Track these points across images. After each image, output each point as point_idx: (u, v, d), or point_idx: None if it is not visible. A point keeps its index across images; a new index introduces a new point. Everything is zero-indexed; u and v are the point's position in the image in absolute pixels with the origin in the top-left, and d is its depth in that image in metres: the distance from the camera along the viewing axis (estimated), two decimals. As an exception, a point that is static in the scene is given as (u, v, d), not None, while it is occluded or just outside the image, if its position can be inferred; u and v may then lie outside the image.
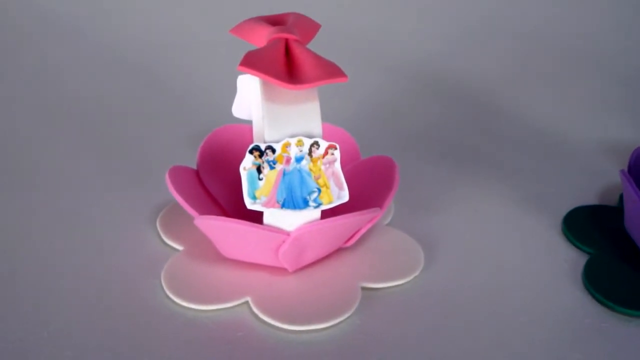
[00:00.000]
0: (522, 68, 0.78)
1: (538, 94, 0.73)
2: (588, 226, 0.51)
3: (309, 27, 0.46)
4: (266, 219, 0.43)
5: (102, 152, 0.59)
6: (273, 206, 0.42)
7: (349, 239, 0.47)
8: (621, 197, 0.54)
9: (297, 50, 0.43)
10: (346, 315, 0.43)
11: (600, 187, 0.57)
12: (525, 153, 0.61)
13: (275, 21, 0.46)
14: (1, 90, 0.69)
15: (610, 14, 0.89)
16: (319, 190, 0.43)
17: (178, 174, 0.47)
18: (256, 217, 0.43)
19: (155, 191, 0.52)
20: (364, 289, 0.45)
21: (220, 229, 0.44)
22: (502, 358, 0.42)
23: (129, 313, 0.43)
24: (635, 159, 0.51)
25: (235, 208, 0.47)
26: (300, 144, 0.42)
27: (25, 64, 0.73)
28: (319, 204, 0.43)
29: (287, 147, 0.42)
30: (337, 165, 0.43)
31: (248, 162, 0.42)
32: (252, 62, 0.41)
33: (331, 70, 0.42)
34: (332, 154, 0.43)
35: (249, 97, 0.48)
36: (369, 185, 0.48)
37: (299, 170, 0.43)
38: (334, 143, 0.43)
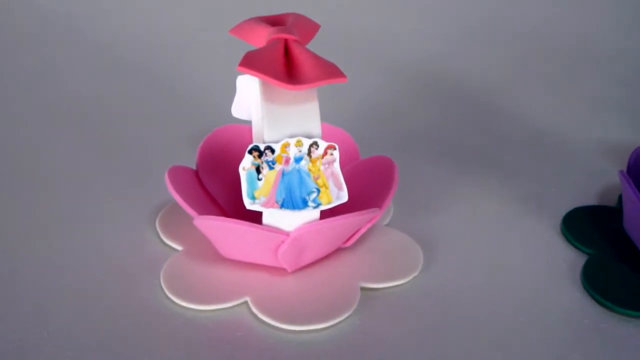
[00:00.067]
0: (522, 68, 0.78)
1: (538, 94, 0.73)
2: (587, 226, 0.51)
3: (308, 28, 0.46)
4: (265, 219, 0.43)
5: (102, 152, 0.59)
6: (272, 206, 0.42)
7: (348, 239, 0.47)
8: (620, 197, 0.54)
9: (296, 50, 0.43)
10: (345, 315, 0.43)
11: (599, 188, 0.57)
12: (524, 153, 0.61)
13: (274, 21, 0.46)
14: (1, 90, 0.69)
15: (610, 14, 0.89)
16: (318, 191, 0.43)
17: (177, 174, 0.47)
18: (255, 217, 0.43)
19: (154, 191, 0.52)
20: (363, 289, 0.46)
21: (219, 229, 0.44)
22: (501, 358, 0.42)
23: (129, 313, 0.43)
24: (634, 159, 0.51)
25: (235, 208, 0.47)
26: (299, 144, 0.43)
27: (25, 64, 0.73)
28: (318, 204, 0.43)
29: (286, 147, 0.42)
30: (336, 166, 0.43)
31: (247, 162, 0.42)
32: (252, 62, 0.41)
33: (330, 71, 0.42)
34: (331, 154, 0.43)
35: (249, 97, 0.48)
36: (368, 186, 0.48)
37: (298, 171, 0.43)
38: (333, 143, 0.43)
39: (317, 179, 0.43)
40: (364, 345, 0.42)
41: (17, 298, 0.44)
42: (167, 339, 0.42)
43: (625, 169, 0.50)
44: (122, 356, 0.41)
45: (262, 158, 0.42)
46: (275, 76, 0.41)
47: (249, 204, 0.42)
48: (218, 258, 0.46)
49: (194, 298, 0.44)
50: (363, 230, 0.47)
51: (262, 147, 0.42)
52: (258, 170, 0.42)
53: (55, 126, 0.63)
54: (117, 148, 0.60)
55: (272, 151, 0.42)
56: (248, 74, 0.41)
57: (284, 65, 0.42)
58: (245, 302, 0.44)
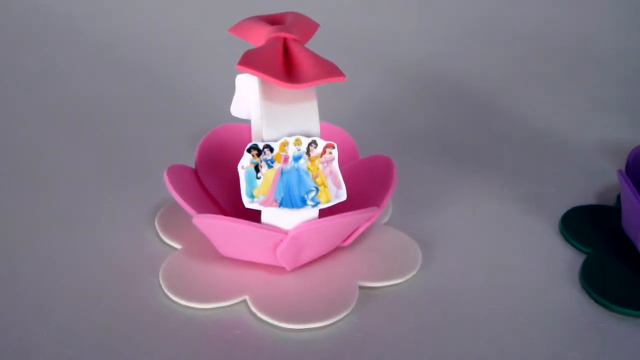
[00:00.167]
0: (522, 68, 0.78)
1: (538, 94, 0.73)
2: (586, 226, 0.51)
3: (307, 27, 0.46)
4: (264, 218, 0.43)
5: (101, 151, 0.59)
6: (271, 205, 0.43)
7: (346, 238, 0.47)
8: (619, 197, 0.54)
9: (295, 49, 0.43)
10: (344, 314, 0.43)
11: (598, 187, 0.57)
12: (524, 153, 0.61)
13: (273, 20, 0.46)
14: (1, 90, 0.69)
15: (610, 14, 0.89)
16: (317, 189, 0.43)
17: (176, 173, 0.47)
18: (254, 216, 0.43)
19: (153, 190, 0.53)
20: (361, 287, 0.46)
21: (218, 228, 0.44)
22: (499, 357, 0.42)
23: (128, 312, 0.43)
24: (633, 158, 0.51)
25: (234, 207, 0.47)
26: (298, 143, 0.43)
27: (25, 64, 0.73)
28: (317, 203, 0.43)
29: (285, 146, 0.42)
30: (335, 164, 0.43)
31: (246, 161, 0.42)
32: (250, 61, 0.41)
33: (329, 70, 0.42)
34: (330, 153, 0.43)
35: (248, 96, 0.48)
36: (367, 185, 0.48)
37: (297, 169, 0.43)
38: (331, 142, 0.43)
39: (315, 177, 0.43)
40: (363, 343, 0.42)
41: (17, 298, 0.44)
42: (166, 338, 0.42)
43: (623, 169, 0.50)
44: (121, 355, 0.41)
45: (260, 157, 0.42)
46: (274, 75, 0.41)
47: (247, 203, 0.42)
48: (217, 257, 0.47)
49: (193, 296, 0.44)
50: (362, 229, 0.47)
51: (261, 146, 0.42)
52: (257, 168, 0.42)
53: (55, 126, 0.63)
54: (116, 147, 0.60)
55: (271, 150, 0.42)
56: (247, 72, 0.42)
57: (283, 64, 0.43)
58: (244, 301, 0.44)
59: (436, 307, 0.45)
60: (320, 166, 0.43)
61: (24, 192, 0.54)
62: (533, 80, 0.75)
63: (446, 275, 0.47)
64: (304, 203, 0.43)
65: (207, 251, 0.47)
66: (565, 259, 0.49)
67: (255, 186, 0.42)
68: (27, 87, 0.69)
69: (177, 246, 0.48)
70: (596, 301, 0.45)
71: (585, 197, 0.55)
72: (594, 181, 0.58)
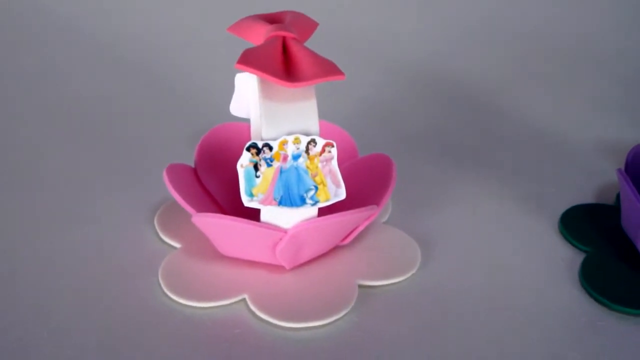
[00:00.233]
0: (522, 68, 0.78)
1: (538, 94, 0.73)
2: (585, 225, 0.51)
3: (306, 26, 0.46)
4: (263, 217, 0.43)
5: (101, 150, 0.59)
6: (270, 204, 0.43)
7: (346, 237, 0.47)
8: (618, 195, 0.54)
9: (294, 48, 0.43)
10: (343, 313, 0.43)
11: (597, 186, 0.57)
12: (524, 152, 0.61)
13: (272, 19, 0.46)
14: (1, 90, 0.69)
15: (610, 14, 0.89)
16: (316, 188, 0.43)
17: (176, 172, 0.47)
18: (253, 215, 0.43)
19: (153, 189, 0.53)
20: (361, 286, 0.46)
21: (217, 227, 0.44)
22: (499, 356, 0.42)
23: (127, 311, 0.43)
24: (632, 157, 0.51)
25: (233, 206, 0.47)
26: (297, 141, 0.43)
27: (25, 64, 0.73)
28: (316, 202, 0.43)
29: (284, 144, 0.42)
30: (334, 163, 0.44)
31: (245, 160, 0.42)
32: (250, 60, 0.41)
33: (328, 68, 0.42)
34: (329, 151, 0.43)
35: (247, 95, 0.48)
36: (366, 183, 0.48)
37: (296, 168, 0.43)
38: (331, 141, 0.43)
39: (315, 176, 0.43)
40: (362, 342, 0.42)
41: (17, 298, 0.44)
42: (166, 337, 0.42)
43: (623, 168, 0.50)
44: (121, 354, 0.41)
45: (260, 155, 0.42)
46: (273, 73, 0.41)
47: (247, 202, 0.42)
48: (216, 255, 0.47)
49: (192, 295, 0.44)
50: (361, 228, 0.47)
51: (260, 145, 0.42)
52: (256, 167, 0.42)
53: (55, 126, 0.63)
54: (116, 147, 0.60)
55: (270, 148, 0.42)
56: (246, 71, 0.42)
57: (282, 62, 0.43)
58: (244, 300, 0.44)
59: (435, 306, 0.45)
60: (320, 165, 0.43)
61: (24, 192, 0.54)
62: (533, 80, 0.75)
63: (445, 274, 0.47)
64: (303, 202, 0.43)
65: (207, 250, 0.47)
66: (565, 258, 0.49)
67: (255, 185, 0.42)
68: (27, 87, 0.69)
69: (177, 245, 0.48)
70: (596, 300, 0.45)
71: (585, 196, 0.56)
72: (593, 180, 0.58)
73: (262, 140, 0.42)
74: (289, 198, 0.43)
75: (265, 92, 0.43)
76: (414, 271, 0.47)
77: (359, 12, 0.88)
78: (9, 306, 0.43)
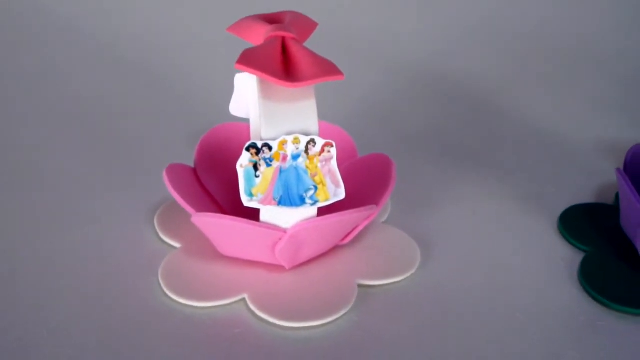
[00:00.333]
0: (522, 68, 0.78)
1: (538, 94, 0.73)
2: (584, 224, 0.51)
3: (306, 26, 0.46)
4: (263, 217, 0.43)
5: (101, 150, 0.59)
6: (270, 203, 0.43)
7: (345, 237, 0.47)
8: (617, 195, 0.54)
9: (293, 48, 0.43)
10: (343, 312, 0.43)
11: (597, 186, 0.57)
12: (523, 152, 0.61)
13: (272, 19, 0.46)
14: (1, 90, 0.69)
15: (610, 14, 0.89)
16: (316, 188, 0.43)
17: (176, 172, 0.47)
18: (253, 215, 0.43)
19: (153, 189, 0.53)
20: (360, 286, 0.46)
21: (217, 227, 0.44)
22: (498, 355, 0.42)
23: (127, 311, 0.43)
24: (631, 157, 0.51)
25: (233, 205, 0.47)
26: (296, 141, 0.43)
27: (25, 64, 0.73)
28: (316, 202, 0.43)
29: (283, 144, 0.42)
30: (334, 163, 0.44)
31: (245, 160, 0.42)
32: (249, 60, 0.41)
33: (328, 68, 0.42)
34: (329, 151, 0.43)
35: (246, 95, 0.48)
36: (365, 183, 0.48)
37: (296, 168, 0.43)
38: (330, 141, 0.43)
39: (314, 176, 0.43)
40: (362, 342, 0.42)
41: (17, 298, 0.44)
42: (166, 336, 0.42)
43: (622, 167, 0.50)
44: (121, 354, 0.41)
45: (259, 155, 0.42)
46: (273, 74, 0.41)
47: (246, 201, 0.42)
48: (216, 255, 0.47)
49: (192, 295, 0.44)
50: (360, 228, 0.47)
51: (259, 145, 0.42)
52: (255, 167, 0.42)
53: (55, 126, 0.63)
54: (115, 147, 0.60)
55: (270, 148, 0.42)
56: (246, 71, 0.42)
57: (282, 62, 0.43)
58: (243, 299, 0.44)
59: (435, 305, 0.45)
60: (319, 165, 0.43)
61: (24, 192, 0.54)
62: (533, 80, 0.75)
63: (445, 274, 0.47)
64: (302, 201, 0.43)
65: (206, 250, 0.47)
66: (564, 258, 0.49)
67: (254, 185, 0.43)
68: (27, 87, 0.69)
69: (177, 245, 0.48)
70: (595, 299, 0.45)
71: (584, 195, 0.56)
72: (593, 180, 0.58)
73: (261, 140, 0.42)
74: (289, 198, 0.43)
75: (265, 92, 0.43)
76: (413, 271, 0.47)
77: (359, 12, 0.88)
78: (9, 306, 0.43)
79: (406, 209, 0.53)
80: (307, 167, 0.43)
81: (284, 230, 0.43)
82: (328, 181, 0.43)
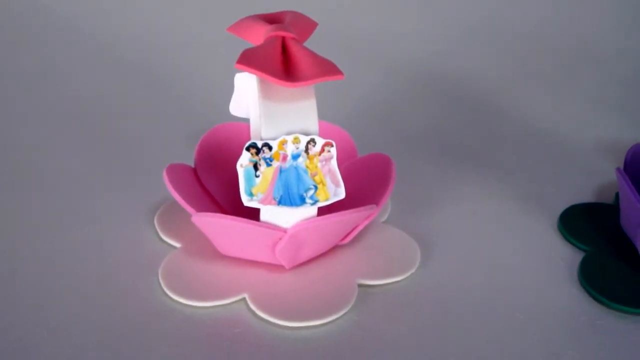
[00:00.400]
0: (522, 68, 0.78)
1: (538, 94, 0.73)
2: (584, 224, 0.51)
3: (305, 26, 0.46)
4: (263, 216, 0.43)
5: (101, 150, 0.59)
6: (270, 203, 0.43)
7: (345, 236, 0.47)
8: (617, 195, 0.54)
9: (293, 48, 0.43)
10: (343, 312, 0.43)
11: (597, 186, 0.57)
12: (523, 152, 0.61)
13: (272, 19, 0.46)
14: (1, 90, 0.69)
15: (610, 14, 0.89)
16: (316, 188, 0.43)
17: (176, 172, 0.47)
18: (253, 215, 0.43)
19: (153, 189, 0.53)
20: (360, 285, 0.46)
21: (217, 226, 0.44)
22: (498, 355, 0.42)
23: (127, 311, 0.43)
24: (631, 156, 0.51)
25: (233, 205, 0.47)
26: (296, 141, 0.43)
27: (25, 64, 0.73)
28: (316, 201, 0.43)
29: (283, 144, 0.42)
30: (334, 163, 0.44)
31: (245, 160, 0.42)
32: (249, 59, 0.41)
33: (327, 68, 0.42)
34: (329, 151, 0.43)
35: (246, 95, 0.48)
36: (365, 183, 0.48)
37: (296, 168, 0.43)
38: (330, 140, 0.43)
39: (314, 175, 0.43)
40: (362, 341, 0.42)
41: (17, 298, 0.44)
42: (166, 336, 0.42)
43: (622, 167, 0.50)
44: (121, 353, 0.41)
45: (259, 155, 0.42)
46: (273, 73, 0.41)
47: (246, 201, 0.42)
48: (216, 255, 0.47)
49: (192, 295, 0.44)
50: (360, 227, 0.47)
51: (259, 144, 0.42)
52: (256, 167, 0.42)
53: (55, 126, 0.63)
54: (115, 146, 0.60)
55: (270, 148, 0.42)
56: (246, 71, 0.42)
57: (282, 62, 0.43)
58: (243, 299, 0.44)
59: (435, 305, 0.45)
60: (319, 164, 0.43)
61: (24, 192, 0.54)
62: (533, 80, 0.75)
63: (445, 274, 0.47)
64: (302, 201, 0.43)
65: (207, 250, 0.47)
66: (564, 258, 0.49)
67: (254, 184, 0.43)
68: (27, 87, 0.69)
69: (177, 245, 0.48)
70: (595, 299, 0.45)
71: (584, 195, 0.56)
72: (593, 179, 0.58)
73: (261, 140, 0.42)
74: (289, 197, 0.43)
75: (265, 92, 0.43)
76: (413, 270, 0.47)
77: (359, 12, 0.88)
78: (9, 306, 0.44)
79: (406, 208, 0.53)
80: (307, 167, 0.43)
81: (284, 230, 0.43)
82: (328, 181, 0.43)
